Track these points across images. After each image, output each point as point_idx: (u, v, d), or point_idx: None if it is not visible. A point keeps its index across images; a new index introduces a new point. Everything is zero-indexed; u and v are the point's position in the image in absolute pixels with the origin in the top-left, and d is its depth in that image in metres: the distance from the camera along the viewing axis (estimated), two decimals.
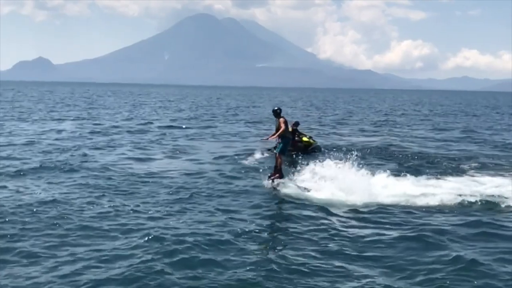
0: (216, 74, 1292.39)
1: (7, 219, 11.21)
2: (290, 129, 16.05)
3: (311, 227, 11.30)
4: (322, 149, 25.20)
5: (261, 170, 17.41)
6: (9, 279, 8.16)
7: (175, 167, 19.31)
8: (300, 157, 22.97)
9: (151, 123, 39.88)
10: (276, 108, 16.02)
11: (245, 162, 20.73)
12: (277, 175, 15.63)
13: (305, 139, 24.69)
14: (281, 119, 15.55)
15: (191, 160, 21.60)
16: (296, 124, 24.93)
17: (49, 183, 15.47)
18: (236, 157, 22.21)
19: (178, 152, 23.78)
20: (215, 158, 21.94)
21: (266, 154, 22.90)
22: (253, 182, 16.22)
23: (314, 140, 25.55)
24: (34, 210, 12.06)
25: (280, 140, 15.75)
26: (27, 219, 11.28)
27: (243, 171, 18.40)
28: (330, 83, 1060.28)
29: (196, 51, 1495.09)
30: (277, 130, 15.71)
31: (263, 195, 14.68)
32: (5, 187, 14.67)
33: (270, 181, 15.50)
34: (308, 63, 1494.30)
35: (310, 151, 24.36)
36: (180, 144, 26.97)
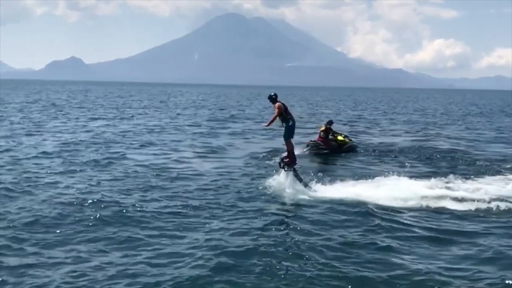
0: (245, 73, 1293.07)
1: (75, 215, 11.96)
2: (286, 114, 15.07)
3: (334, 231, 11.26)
4: (358, 148, 25.09)
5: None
6: (87, 274, 8.62)
7: (213, 167, 19.45)
8: (333, 156, 23.30)
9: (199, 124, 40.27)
10: (272, 94, 15.61)
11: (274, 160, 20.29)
12: (289, 160, 15.35)
13: (340, 138, 24.50)
14: (276, 104, 15.19)
15: (228, 159, 21.73)
16: (330, 122, 24.92)
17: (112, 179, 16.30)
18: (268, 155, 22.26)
19: (215, 151, 23.94)
20: (253, 158, 22.07)
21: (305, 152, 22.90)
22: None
23: (349, 139, 25.35)
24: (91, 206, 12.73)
25: (284, 125, 15.36)
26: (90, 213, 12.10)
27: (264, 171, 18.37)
28: (360, 82, 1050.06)
29: (225, 51, 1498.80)
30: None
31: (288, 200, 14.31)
32: (59, 182, 15.53)
33: (283, 166, 15.24)
34: (338, 62, 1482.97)
35: (345, 150, 24.22)
36: (221, 143, 27.12)
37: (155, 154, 22.39)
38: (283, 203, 13.80)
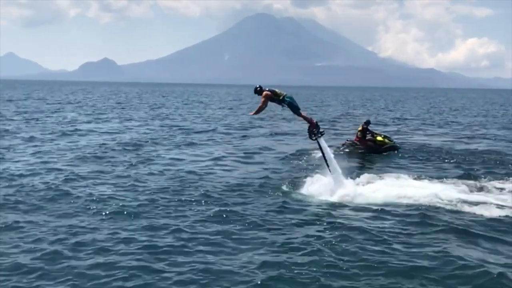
0: (275, 73, 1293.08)
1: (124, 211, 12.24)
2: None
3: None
4: (397, 150, 24.15)
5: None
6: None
7: (251, 170, 19.20)
8: (370, 156, 22.80)
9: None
10: (256, 86, 15.44)
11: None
12: (311, 126, 15.11)
13: (379, 138, 23.93)
14: (263, 93, 14.94)
15: (262, 162, 21.42)
16: (367, 122, 24.39)
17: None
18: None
19: (252, 153, 23.67)
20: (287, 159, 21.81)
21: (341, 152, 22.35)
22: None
23: (390, 140, 24.63)
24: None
25: (283, 105, 15.06)
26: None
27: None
28: (392, 82, 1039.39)
29: (255, 51, 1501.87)
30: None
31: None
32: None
33: (313, 135, 15.08)
34: (368, 61, 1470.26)
35: (384, 151, 23.57)
36: (257, 143, 27.01)
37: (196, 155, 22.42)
38: (327, 207, 13.42)
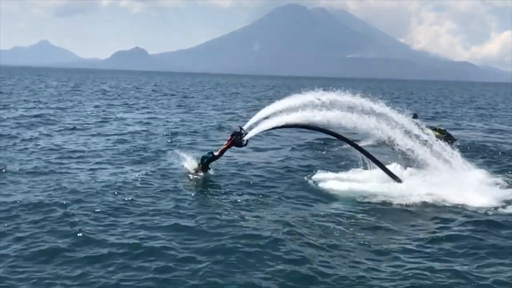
0: (305, 65, 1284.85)
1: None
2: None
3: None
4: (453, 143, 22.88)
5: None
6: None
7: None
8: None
9: None
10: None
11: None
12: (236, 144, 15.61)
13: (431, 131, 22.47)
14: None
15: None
16: (414, 116, 23.40)
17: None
18: None
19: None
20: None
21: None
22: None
23: (443, 132, 23.83)
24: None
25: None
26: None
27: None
28: (424, 74, 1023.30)
29: (286, 42, 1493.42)
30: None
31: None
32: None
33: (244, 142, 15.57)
34: (400, 53, 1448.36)
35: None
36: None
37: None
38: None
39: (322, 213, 12.25)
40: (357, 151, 15.63)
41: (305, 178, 15.95)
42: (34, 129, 26.04)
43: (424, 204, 13.14)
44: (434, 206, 13.03)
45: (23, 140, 22.02)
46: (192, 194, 13.67)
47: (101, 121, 30.89)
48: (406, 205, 13.03)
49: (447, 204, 13.07)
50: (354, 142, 16.43)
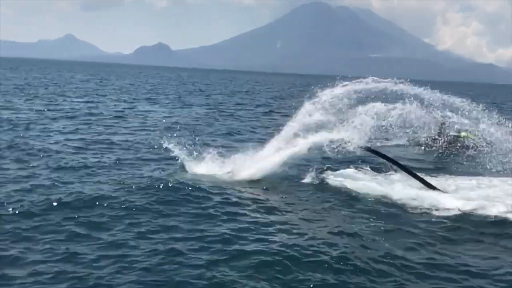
0: (328, 63, 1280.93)
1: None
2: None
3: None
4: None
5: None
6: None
7: None
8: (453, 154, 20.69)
9: None
10: None
11: None
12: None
13: (463, 133, 21.41)
14: None
15: None
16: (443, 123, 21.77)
17: None
18: None
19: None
20: None
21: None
22: None
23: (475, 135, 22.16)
24: None
25: None
26: None
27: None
28: (448, 75, 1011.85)
29: (309, 40, 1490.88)
30: None
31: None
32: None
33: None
34: (425, 54, 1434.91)
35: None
36: None
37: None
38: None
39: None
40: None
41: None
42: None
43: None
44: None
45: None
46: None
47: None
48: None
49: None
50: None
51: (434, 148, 21.70)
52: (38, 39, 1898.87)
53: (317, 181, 14.19)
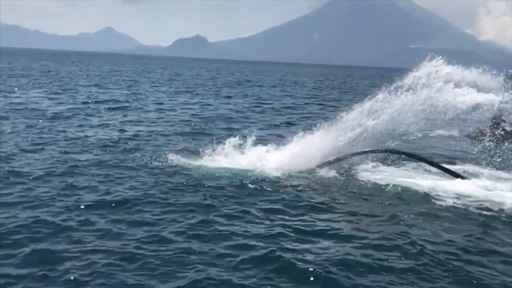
0: (366, 54, 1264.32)
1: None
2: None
3: None
4: None
5: None
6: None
7: None
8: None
9: None
10: None
11: None
12: None
13: None
14: None
15: None
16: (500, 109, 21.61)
17: None
18: None
19: None
20: None
21: None
22: None
23: None
24: None
25: None
26: None
27: None
28: (490, 66, 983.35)
29: (346, 31, 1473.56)
30: None
31: None
32: None
33: None
34: (466, 44, 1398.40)
35: None
36: None
37: None
38: None
39: None
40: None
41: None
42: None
43: None
44: None
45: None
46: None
47: None
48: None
49: None
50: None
51: (487, 140, 20.64)
52: (79, 32, 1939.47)
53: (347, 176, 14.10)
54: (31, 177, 12.42)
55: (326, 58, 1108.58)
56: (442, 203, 11.69)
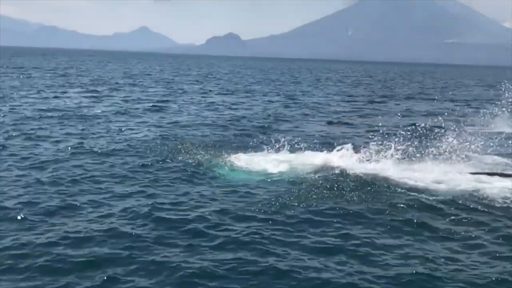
0: (401, 50, 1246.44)
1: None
2: None
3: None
4: None
5: None
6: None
7: None
8: None
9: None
10: None
11: None
12: None
13: None
14: None
15: None
16: None
17: None
18: None
19: None
20: None
21: None
22: None
23: None
24: None
25: None
26: None
27: None
28: None
29: (381, 27, 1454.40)
30: None
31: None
32: None
33: None
34: (504, 39, 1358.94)
35: None
36: None
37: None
38: None
39: None
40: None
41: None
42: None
43: None
44: None
45: None
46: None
47: None
48: None
49: None
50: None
51: None
52: (114, 32, 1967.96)
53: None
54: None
55: (360, 54, 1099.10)
56: None
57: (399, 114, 30.02)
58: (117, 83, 50.60)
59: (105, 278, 7.81)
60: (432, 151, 15.15)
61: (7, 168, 14.11)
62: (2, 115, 23.93)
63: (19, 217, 10.03)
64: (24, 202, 11.04)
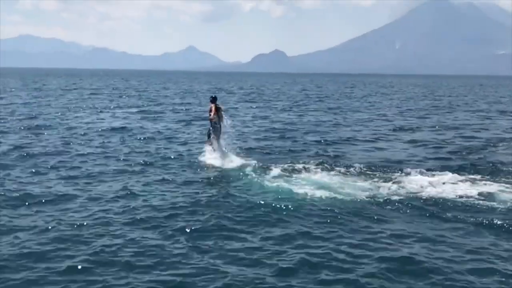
0: (450, 62, 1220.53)
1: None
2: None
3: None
4: None
5: None
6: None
7: None
8: None
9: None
10: (213, 95, 18.61)
11: None
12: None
13: None
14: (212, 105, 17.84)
15: None
16: None
17: None
18: None
19: None
20: None
21: None
22: None
23: None
24: None
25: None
26: None
27: None
28: None
29: (429, 39, 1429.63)
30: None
31: None
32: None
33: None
34: None
35: None
36: None
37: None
38: None
39: None
40: None
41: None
42: None
43: None
44: None
45: None
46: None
47: None
48: None
49: None
50: None
51: None
52: (163, 52, 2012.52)
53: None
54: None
55: (409, 68, 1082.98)
56: None
57: None
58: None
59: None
60: None
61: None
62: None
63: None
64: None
